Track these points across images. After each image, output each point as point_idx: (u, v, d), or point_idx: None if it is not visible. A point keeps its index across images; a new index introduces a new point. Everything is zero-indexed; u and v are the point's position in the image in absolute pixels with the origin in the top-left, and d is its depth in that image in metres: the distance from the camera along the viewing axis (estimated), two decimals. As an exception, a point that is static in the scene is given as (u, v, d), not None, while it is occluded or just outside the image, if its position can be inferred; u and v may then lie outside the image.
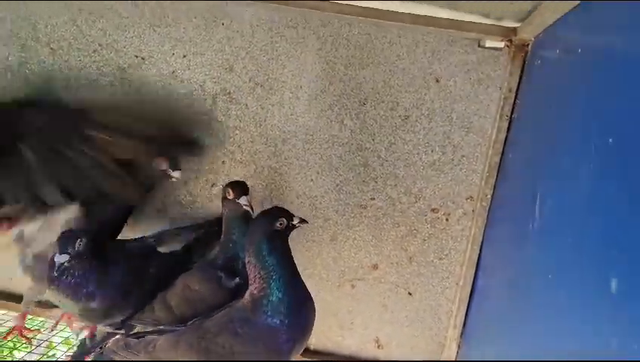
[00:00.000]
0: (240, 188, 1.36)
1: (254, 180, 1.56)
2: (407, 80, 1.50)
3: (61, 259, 1.22)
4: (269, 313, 1.08)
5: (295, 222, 1.16)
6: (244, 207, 1.34)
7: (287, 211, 1.17)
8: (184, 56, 1.53)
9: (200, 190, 1.60)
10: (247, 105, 1.54)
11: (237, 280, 1.30)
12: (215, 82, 1.53)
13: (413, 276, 1.60)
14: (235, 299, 1.18)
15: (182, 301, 1.29)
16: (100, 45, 1.53)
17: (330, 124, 1.53)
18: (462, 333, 1.58)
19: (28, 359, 1.51)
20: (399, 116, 1.51)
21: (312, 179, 1.57)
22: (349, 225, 1.59)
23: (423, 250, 1.58)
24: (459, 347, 1.59)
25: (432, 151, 1.53)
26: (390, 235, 1.58)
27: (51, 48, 1.54)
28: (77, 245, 1.23)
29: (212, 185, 1.59)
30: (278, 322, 1.07)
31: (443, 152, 1.52)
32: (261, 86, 1.53)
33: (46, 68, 1.55)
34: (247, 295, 1.13)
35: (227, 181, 1.44)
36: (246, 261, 1.13)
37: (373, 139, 1.53)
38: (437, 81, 1.49)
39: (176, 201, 1.61)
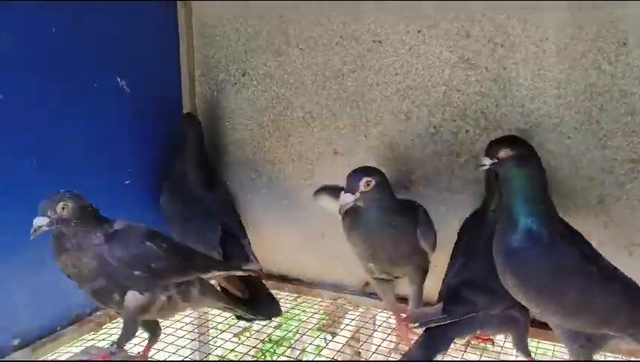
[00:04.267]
0: None
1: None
2: (678, 6, 1.29)
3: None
4: None
5: None
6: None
7: None
8: (419, 32, 1.56)
9: (446, 162, 1.60)
10: (487, 68, 1.50)
11: None
12: (452, 51, 1.53)
13: None
14: None
15: None
16: (341, 37, 1.66)
17: (586, 72, 1.39)
18: None
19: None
20: (672, 49, 1.30)
21: (569, 137, 1.43)
22: (619, 183, 1.40)
23: None
24: None
25: None
26: (673, 190, 1.35)
27: (300, 49, 1.73)
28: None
29: (457, 156, 1.57)
30: None
31: None
32: (501, 45, 1.47)
33: (297, 67, 1.73)
34: None
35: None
36: None
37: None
38: None
39: (423, 175, 1.64)
